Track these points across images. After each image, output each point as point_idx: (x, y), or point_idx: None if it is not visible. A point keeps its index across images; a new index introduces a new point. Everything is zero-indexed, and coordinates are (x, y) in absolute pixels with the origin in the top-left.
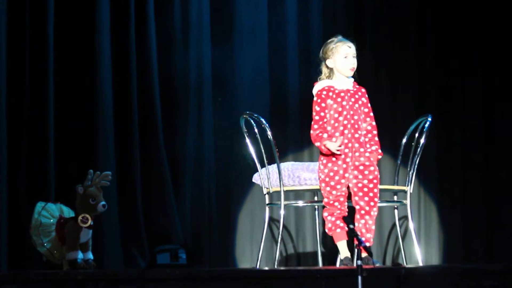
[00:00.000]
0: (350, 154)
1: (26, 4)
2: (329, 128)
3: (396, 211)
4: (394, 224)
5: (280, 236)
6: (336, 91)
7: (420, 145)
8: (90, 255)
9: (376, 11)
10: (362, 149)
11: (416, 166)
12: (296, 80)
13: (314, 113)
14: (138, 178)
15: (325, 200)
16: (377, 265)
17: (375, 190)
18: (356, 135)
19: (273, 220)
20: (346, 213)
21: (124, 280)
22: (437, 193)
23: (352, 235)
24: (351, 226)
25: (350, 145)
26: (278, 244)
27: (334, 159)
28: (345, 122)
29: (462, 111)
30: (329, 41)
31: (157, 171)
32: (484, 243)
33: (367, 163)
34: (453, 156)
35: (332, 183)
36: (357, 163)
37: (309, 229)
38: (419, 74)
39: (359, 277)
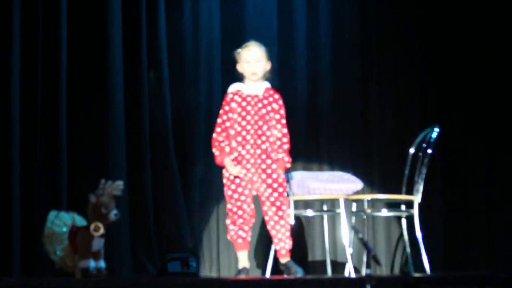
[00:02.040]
0: (252, 161)
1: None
2: (232, 132)
3: (403, 220)
4: (402, 233)
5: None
6: (243, 95)
7: (427, 156)
8: (102, 263)
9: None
10: (264, 156)
11: (424, 176)
12: (304, 88)
13: (218, 115)
14: (149, 187)
15: (228, 206)
16: (296, 269)
17: (281, 199)
18: (259, 141)
19: None
20: (251, 224)
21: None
22: (441, 202)
23: (362, 244)
24: (360, 235)
25: (252, 151)
26: None
27: (235, 162)
28: (248, 127)
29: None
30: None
31: (168, 180)
32: (487, 251)
33: (269, 171)
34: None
35: (233, 187)
36: (259, 171)
37: (318, 238)
38: (423, 82)
39: (368, 286)
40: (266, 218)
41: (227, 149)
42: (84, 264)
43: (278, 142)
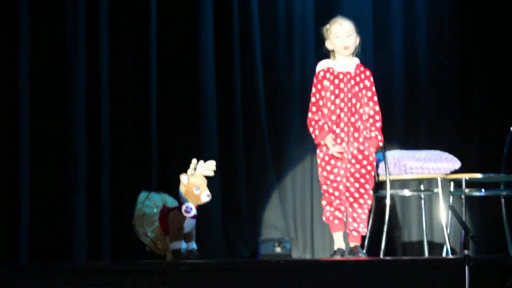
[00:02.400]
0: (346, 139)
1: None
2: (325, 110)
3: (502, 200)
4: (500, 214)
5: (386, 226)
6: (335, 73)
7: None
8: (194, 245)
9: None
10: (356, 134)
11: None
12: (400, 67)
13: (311, 94)
14: (241, 167)
15: (324, 187)
16: (362, 255)
17: (367, 176)
18: (352, 119)
19: (377, 210)
20: (346, 204)
21: (228, 270)
22: None
23: (461, 225)
24: (458, 216)
25: (346, 129)
26: (384, 234)
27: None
28: (342, 105)
29: None
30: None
31: (261, 166)
32: None
33: (361, 148)
34: None
35: (328, 168)
36: (351, 148)
37: (414, 219)
38: None
39: (466, 267)
40: (347, 194)
41: (326, 127)
42: (175, 246)
43: (371, 120)
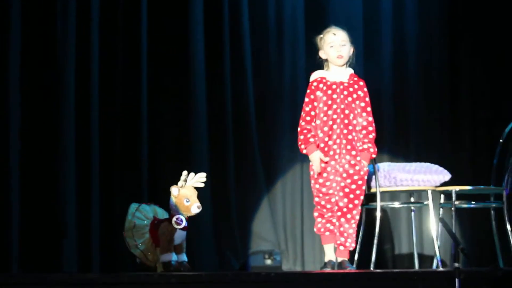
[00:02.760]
0: (338, 151)
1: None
2: (318, 121)
3: (492, 212)
4: (490, 226)
5: (376, 238)
6: (328, 83)
7: None
8: (185, 257)
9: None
10: (349, 146)
11: None
12: (390, 78)
13: (304, 104)
14: (231, 179)
15: (316, 199)
16: (351, 269)
17: (357, 192)
18: (345, 131)
19: (367, 222)
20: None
21: (219, 282)
22: None
23: (451, 237)
24: (448, 228)
25: (338, 141)
26: (375, 246)
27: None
28: (334, 116)
29: None
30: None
31: (251, 172)
32: None
33: (352, 162)
34: None
35: (321, 180)
36: (343, 161)
37: (404, 231)
38: None
39: (457, 280)
40: (335, 208)
41: (317, 142)
42: (166, 258)
43: (364, 131)
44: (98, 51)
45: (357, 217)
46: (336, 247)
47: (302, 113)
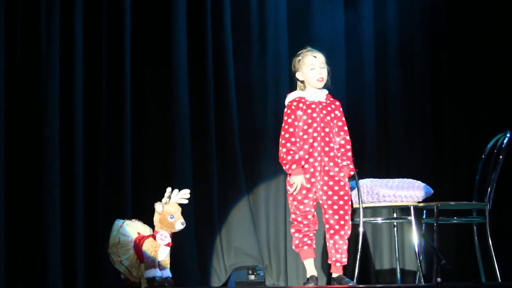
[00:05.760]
0: (319, 168)
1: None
2: (297, 140)
3: (475, 227)
4: (472, 241)
5: (359, 253)
6: (307, 103)
7: (499, 162)
8: (169, 273)
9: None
10: (331, 163)
11: (495, 183)
12: (372, 95)
13: (284, 125)
14: (215, 195)
15: (292, 216)
16: (351, 284)
17: (346, 207)
18: (326, 149)
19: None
20: (315, 231)
21: None
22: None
23: (433, 252)
24: (431, 243)
25: (319, 158)
26: (357, 261)
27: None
28: (315, 134)
29: None
30: (298, 53)
31: (235, 189)
32: None
33: (336, 178)
34: None
35: (299, 197)
36: (326, 178)
37: (386, 246)
38: (496, 87)
39: None
40: (327, 226)
41: (294, 166)
42: (150, 273)
43: (342, 150)
44: (82, 72)
45: (349, 232)
46: (331, 263)
47: (286, 134)
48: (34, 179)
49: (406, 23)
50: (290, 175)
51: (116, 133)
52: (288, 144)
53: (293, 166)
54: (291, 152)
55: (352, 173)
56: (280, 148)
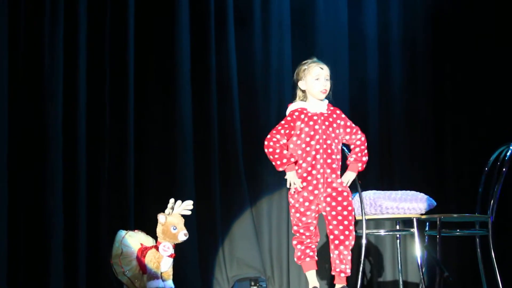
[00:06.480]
0: (322, 180)
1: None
2: (299, 152)
3: (477, 240)
4: (475, 253)
5: (362, 265)
6: (309, 114)
7: (502, 174)
8: (171, 284)
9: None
10: (334, 175)
11: (498, 195)
12: (376, 107)
13: (277, 125)
14: (218, 206)
15: (294, 228)
16: None
17: (350, 218)
18: (329, 161)
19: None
20: (317, 243)
21: None
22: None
23: (436, 264)
24: (434, 255)
25: (322, 170)
26: (360, 273)
27: (304, 183)
28: (317, 146)
29: None
30: (303, 62)
31: (237, 200)
32: None
33: (339, 189)
34: None
35: (302, 209)
36: (329, 190)
37: (389, 258)
38: (498, 99)
39: None
40: (331, 237)
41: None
42: (153, 284)
43: (357, 149)
44: (85, 77)
45: (353, 242)
46: (335, 274)
47: (275, 128)
48: (36, 188)
49: (409, 19)
50: (284, 170)
51: (118, 144)
52: (278, 136)
53: (281, 161)
54: (278, 145)
55: (359, 165)
56: (268, 137)
